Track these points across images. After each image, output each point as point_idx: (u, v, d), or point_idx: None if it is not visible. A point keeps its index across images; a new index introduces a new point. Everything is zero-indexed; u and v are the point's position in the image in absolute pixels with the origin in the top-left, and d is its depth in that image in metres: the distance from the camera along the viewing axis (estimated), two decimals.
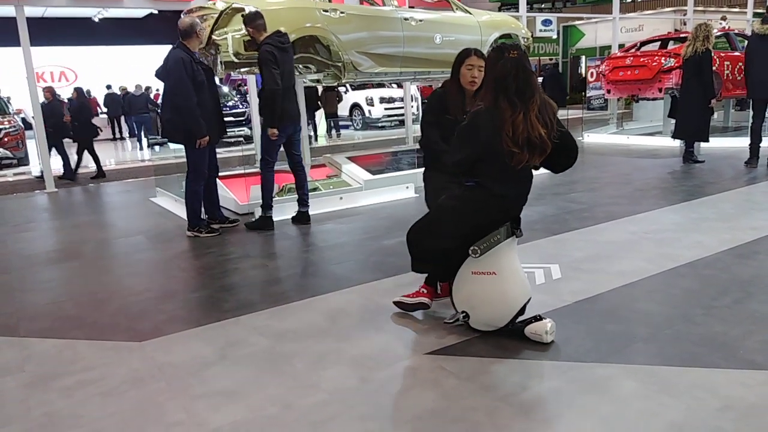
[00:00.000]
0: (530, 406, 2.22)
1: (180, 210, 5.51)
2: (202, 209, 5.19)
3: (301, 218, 5.38)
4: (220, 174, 6.52)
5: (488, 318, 2.82)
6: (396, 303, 3.16)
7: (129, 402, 2.40)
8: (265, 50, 4.79)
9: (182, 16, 5.39)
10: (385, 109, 15.64)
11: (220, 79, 6.11)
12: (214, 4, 5.51)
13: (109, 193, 8.23)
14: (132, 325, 3.23)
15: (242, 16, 5.07)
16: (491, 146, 2.59)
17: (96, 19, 18.30)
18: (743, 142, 7.49)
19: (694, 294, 3.21)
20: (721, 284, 3.32)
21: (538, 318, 2.76)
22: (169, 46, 4.90)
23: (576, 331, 2.83)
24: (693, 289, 3.28)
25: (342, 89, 15.61)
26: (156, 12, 16.77)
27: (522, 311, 2.80)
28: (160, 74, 4.94)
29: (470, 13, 7.24)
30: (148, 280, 4.04)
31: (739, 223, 4.51)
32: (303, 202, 5.39)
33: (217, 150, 5.46)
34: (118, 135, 18.27)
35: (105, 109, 17.97)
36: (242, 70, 5.89)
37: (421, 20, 6.55)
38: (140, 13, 18.46)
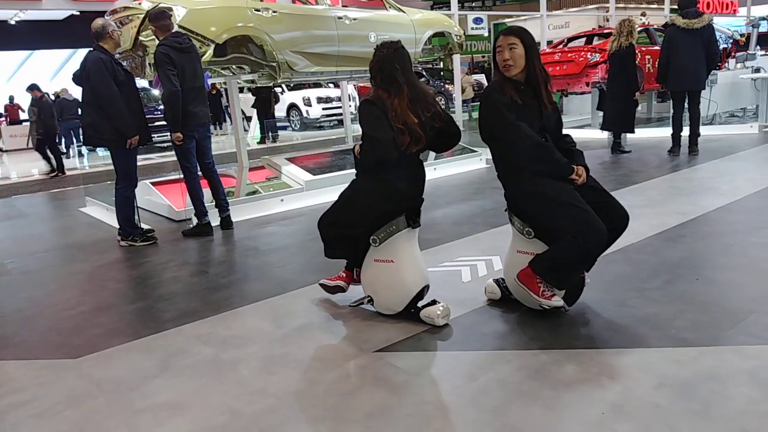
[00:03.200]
0: (479, 396, 2.26)
1: (113, 219, 5.29)
2: (136, 216, 4.99)
3: (224, 224, 5.21)
4: (155, 180, 6.33)
5: (388, 302, 3.02)
6: (320, 284, 3.34)
7: (66, 422, 2.28)
8: (159, 51, 4.64)
9: (105, 16, 5.18)
10: (323, 109, 15.55)
11: (150, 82, 5.91)
12: (140, 4, 5.32)
13: (35, 204, 7.81)
14: (65, 341, 3.07)
15: (148, 11, 4.88)
16: (391, 127, 2.81)
17: (13, 22, 17.31)
18: (666, 132, 7.88)
19: (627, 278, 3.35)
20: (652, 268, 3.48)
21: (432, 302, 2.94)
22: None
23: (517, 320, 2.89)
24: (625, 273, 3.42)
25: (278, 90, 15.40)
26: (78, 13, 16.03)
27: (420, 297, 2.97)
28: (77, 78, 4.73)
29: (403, 12, 7.30)
30: (81, 293, 3.86)
31: (665, 209, 4.75)
32: (222, 207, 5.21)
33: (150, 155, 5.29)
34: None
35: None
36: None
37: (355, 19, 6.54)
38: (61, 14, 17.59)
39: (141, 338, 3.01)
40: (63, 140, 15.84)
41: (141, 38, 5.22)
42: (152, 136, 5.18)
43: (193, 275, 4.05)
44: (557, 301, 2.78)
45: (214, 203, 5.24)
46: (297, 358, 2.67)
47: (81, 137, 14.24)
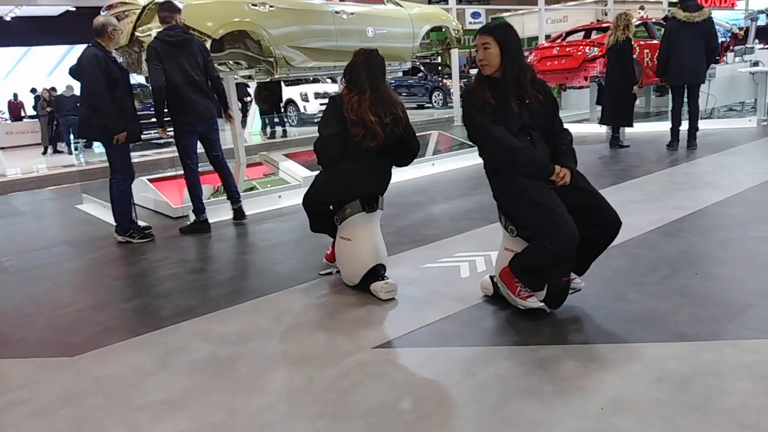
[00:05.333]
0: (478, 391, 2.25)
1: (109, 216, 5.27)
2: (133, 212, 4.96)
3: (237, 215, 5.26)
4: (152, 177, 6.31)
5: (346, 275, 3.42)
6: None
7: (63, 420, 2.27)
8: (149, 45, 4.68)
9: (102, 12, 5.15)
10: (321, 104, 15.49)
11: (146, 78, 5.87)
12: None
13: (31, 201, 7.79)
14: (63, 339, 3.06)
15: (144, 7, 4.94)
16: (341, 123, 3.18)
17: (8, 18, 17.22)
18: (664, 126, 7.87)
19: (626, 273, 3.34)
20: (651, 262, 3.47)
21: (382, 278, 3.28)
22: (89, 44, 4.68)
23: (517, 315, 2.89)
24: (624, 268, 3.42)
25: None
26: (73, 9, 15.95)
27: (376, 273, 3.29)
28: (74, 72, 4.74)
29: (401, 6, 7.27)
30: (78, 291, 3.85)
31: (664, 204, 4.74)
32: (234, 199, 5.24)
33: (146, 152, 5.28)
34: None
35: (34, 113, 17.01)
36: None
37: (352, 13, 6.52)
38: (56, 10, 17.50)
39: (139, 336, 3.00)
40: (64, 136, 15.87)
41: (137, 34, 5.20)
42: (143, 132, 5.15)
43: (190, 272, 4.03)
44: (533, 302, 2.76)
45: (226, 195, 5.27)
46: (295, 355, 2.67)
47: (71, 132, 14.30)
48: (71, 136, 14.54)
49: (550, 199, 2.62)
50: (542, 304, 2.79)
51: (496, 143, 2.70)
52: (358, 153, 3.23)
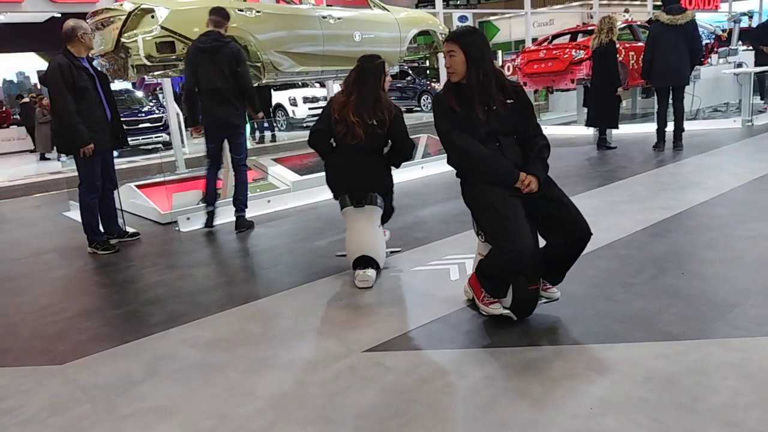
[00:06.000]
0: (468, 393, 2.25)
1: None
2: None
3: (238, 224, 5.15)
4: (140, 183, 6.27)
5: (347, 259, 3.67)
6: None
7: (51, 430, 2.25)
8: (187, 50, 4.85)
9: (86, 19, 5.12)
10: (309, 108, 15.49)
11: (134, 84, 5.86)
12: (122, 5, 5.27)
13: (17, 209, 7.71)
14: (50, 347, 3.03)
15: (130, 12, 5.05)
16: (328, 121, 3.54)
17: None
18: (651, 127, 7.94)
19: (614, 273, 3.37)
20: (638, 262, 3.50)
21: (364, 268, 3.54)
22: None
23: (506, 317, 2.89)
24: (612, 269, 3.44)
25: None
26: (59, 15, 15.82)
27: (364, 263, 3.54)
28: (42, 81, 4.72)
29: (388, 11, 7.29)
30: (66, 298, 3.81)
31: (651, 204, 4.78)
32: (237, 207, 5.17)
33: (134, 158, 5.24)
34: (34, 147, 17.09)
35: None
36: (156, 73, 5.66)
37: (339, 18, 6.53)
38: (41, 17, 17.37)
39: (127, 343, 2.98)
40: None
41: (123, 40, 5.18)
42: (128, 139, 5.11)
43: (179, 278, 4.01)
44: (495, 308, 2.76)
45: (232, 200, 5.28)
46: (285, 360, 2.66)
47: None
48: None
49: (508, 207, 2.58)
50: (507, 311, 2.77)
51: (458, 150, 2.71)
52: (342, 150, 3.57)
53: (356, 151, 3.51)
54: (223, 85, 4.80)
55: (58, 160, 10.97)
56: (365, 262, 3.55)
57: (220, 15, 4.88)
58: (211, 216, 5.27)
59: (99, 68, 5.14)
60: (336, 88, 13.19)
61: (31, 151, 16.41)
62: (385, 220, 3.79)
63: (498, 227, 2.60)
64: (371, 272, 3.51)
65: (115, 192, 5.10)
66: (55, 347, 3.02)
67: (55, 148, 13.69)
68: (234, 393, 2.41)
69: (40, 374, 2.73)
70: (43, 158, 14.82)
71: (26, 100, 16.13)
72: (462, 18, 14.04)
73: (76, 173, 4.77)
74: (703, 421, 1.97)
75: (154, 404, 2.37)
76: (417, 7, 20.13)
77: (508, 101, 2.69)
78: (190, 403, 2.35)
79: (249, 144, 13.67)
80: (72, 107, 4.40)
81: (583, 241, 2.66)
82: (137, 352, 2.87)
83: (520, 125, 2.74)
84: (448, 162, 2.89)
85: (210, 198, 5.24)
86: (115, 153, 5.17)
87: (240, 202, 5.15)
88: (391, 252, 4.00)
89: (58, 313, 3.51)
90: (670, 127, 7.33)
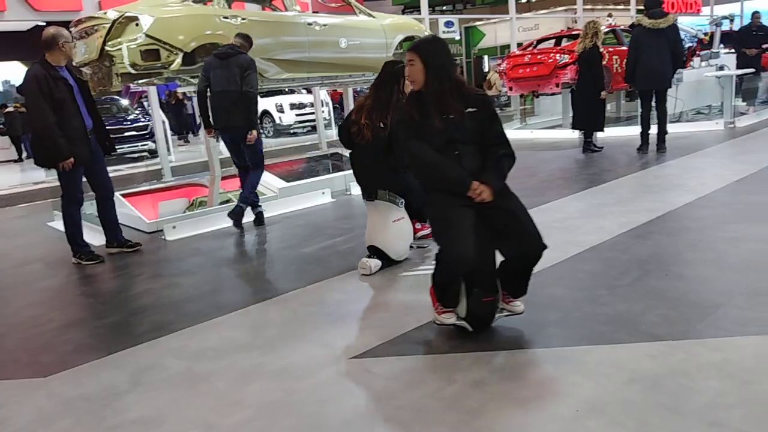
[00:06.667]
0: (456, 399, 2.26)
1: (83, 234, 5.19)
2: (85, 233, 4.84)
3: (231, 215, 5.34)
4: (125, 192, 6.23)
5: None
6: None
7: None
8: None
9: (70, 28, 5.09)
10: (296, 115, 15.48)
11: (118, 92, 5.84)
12: (105, 13, 5.26)
13: (1, 219, 7.63)
14: (35, 359, 3.00)
15: (114, 21, 5.15)
16: (349, 119, 3.91)
17: None
18: (635, 130, 8.02)
19: (599, 276, 3.40)
20: (622, 265, 3.53)
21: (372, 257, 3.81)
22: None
23: (495, 321, 2.91)
24: (597, 271, 3.47)
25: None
26: (43, 23, 15.71)
27: (377, 253, 3.82)
28: (19, 91, 4.66)
29: (374, 17, 7.31)
30: (51, 310, 3.78)
31: (635, 206, 4.83)
32: (237, 203, 5.37)
33: (119, 167, 5.20)
34: (18, 156, 16.87)
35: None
36: (141, 81, 5.63)
37: (325, 25, 6.54)
38: (25, 26, 17.23)
39: (113, 354, 2.96)
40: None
41: (107, 48, 5.15)
42: (115, 148, 5.05)
43: (166, 287, 3.99)
44: (447, 318, 2.74)
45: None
46: (273, 368, 2.65)
47: None
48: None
49: (454, 215, 2.57)
50: (462, 322, 2.76)
51: (412, 158, 2.72)
52: (356, 147, 3.91)
53: (367, 149, 3.80)
54: (231, 89, 4.98)
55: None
56: (377, 252, 3.82)
57: (244, 39, 5.23)
58: (259, 216, 5.50)
59: (83, 77, 5.08)
60: (323, 94, 13.24)
61: (15, 161, 16.24)
62: (420, 216, 4.02)
63: (441, 234, 2.61)
64: (372, 262, 3.77)
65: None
66: (40, 359, 2.99)
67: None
68: (221, 402, 2.40)
69: (25, 387, 2.70)
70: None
71: (10, 109, 15.97)
72: (448, 23, 14.11)
73: (52, 183, 4.71)
74: (686, 421, 1.99)
75: (140, 415, 2.35)
76: (403, 13, 20.22)
77: (469, 110, 2.64)
78: (176, 414, 2.34)
79: None
80: (51, 119, 4.26)
81: (533, 255, 2.62)
82: (123, 363, 2.85)
83: (482, 133, 2.68)
84: (410, 170, 2.94)
85: (253, 202, 5.47)
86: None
87: (241, 199, 5.38)
88: (417, 246, 4.14)
89: (43, 325, 3.47)
90: (653, 129, 7.41)
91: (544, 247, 2.60)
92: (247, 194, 5.33)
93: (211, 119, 5.25)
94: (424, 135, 2.66)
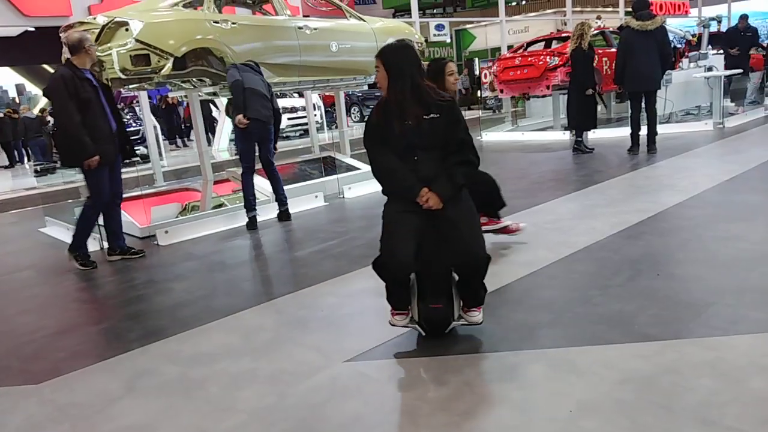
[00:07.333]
0: (449, 401, 2.27)
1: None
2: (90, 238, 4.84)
3: (281, 216, 5.72)
4: None
5: None
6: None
7: None
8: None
9: (59, 33, 5.08)
10: (288, 119, 15.46)
11: None
12: (95, 18, 5.23)
13: None
14: (26, 366, 2.98)
15: (104, 26, 5.12)
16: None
17: None
18: (625, 131, 8.07)
19: (591, 276, 3.41)
20: (614, 265, 3.55)
21: None
22: (51, 65, 4.62)
23: (487, 322, 2.92)
24: (589, 271, 3.49)
25: None
26: (32, 29, 15.64)
27: None
28: (45, 93, 4.67)
29: (364, 21, 7.33)
30: (43, 316, 3.75)
31: (626, 207, 4.86)
32: (280, 201, 5.72)
33: None
34: (9, 163, 16.74)
35: None
36: (131, 86, 5.62)
37: (315, 29, 6.54)
38: (14, 31, 17.13)
39: (106, 360, 2.94)
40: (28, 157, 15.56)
41: (97, 53, 5.12)
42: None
43: (159, 293, 3.97)
44: (398, 320, 2.76)
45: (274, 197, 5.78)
46: (266, 372, 2.65)
47: (45, 155, 14.02)
48: (40, 157, 14.33)
49: (397, 220, 2.62)
50: (415, 325, 2.79)
51: (371, 163, 2.76)
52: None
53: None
54: (250, 85, 5.26)
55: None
56: None
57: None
58: (253, 221, 5.58)
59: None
60: (315, 98, 13.23)
61: (6, 167, 16.14)
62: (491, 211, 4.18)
63: (383, 237, 2.65)
64: None
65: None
66: (31, 366, 2.97)
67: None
68: (215, 407, 2.39)
69: (16, 395, 2.68)
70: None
71: (1, 115, 15.88)
72: (439, 26, 14.17)
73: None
74: (679, 420, 2.00)
75: (134, 421, 2.34)
76: (394, 17, 20.27)
77: (428, 116, 2.62)
78: (170, 420, 2.33)
79: (227, 155, 13.61)
80: (77, 119, 4.38)
81: (469, 265, 2.60)
82: (116, 369, 2.83)
83: (442, 140, 2.67)
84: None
85: (249, 204, 5.55)
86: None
87: (282, 197, 5.73)
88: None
89: (35, 332, 3.45)
90: (643, 130, 7.46)
91: (483, 258, 2.59)
92: (282, 191, 5.73)
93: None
94: (388, 140, 2.69)
